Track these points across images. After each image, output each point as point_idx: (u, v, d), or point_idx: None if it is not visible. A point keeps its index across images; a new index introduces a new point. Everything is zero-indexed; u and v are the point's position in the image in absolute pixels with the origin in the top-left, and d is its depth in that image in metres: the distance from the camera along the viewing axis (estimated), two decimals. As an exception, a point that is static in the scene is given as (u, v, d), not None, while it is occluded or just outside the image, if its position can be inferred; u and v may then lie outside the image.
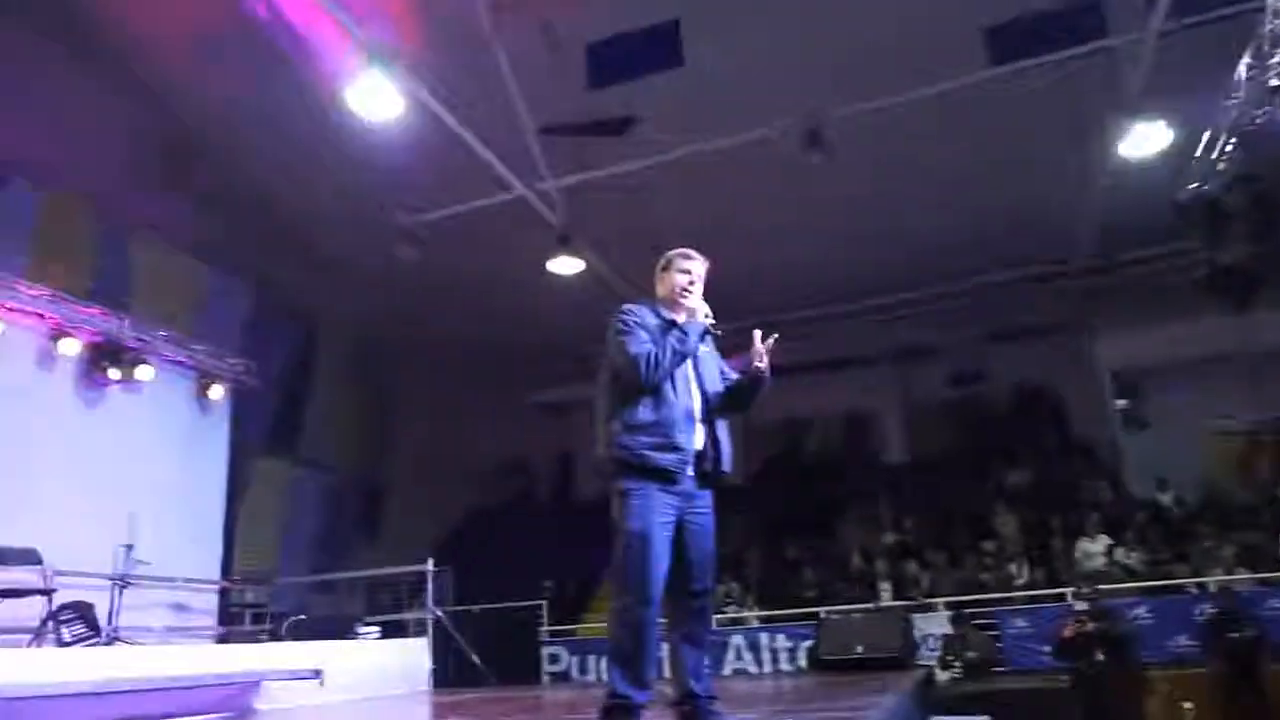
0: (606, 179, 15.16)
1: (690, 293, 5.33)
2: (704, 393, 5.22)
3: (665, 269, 5.50)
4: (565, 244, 16.21)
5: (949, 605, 15.31)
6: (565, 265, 16.63)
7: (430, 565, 14.34)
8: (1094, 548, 16.41)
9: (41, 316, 13.22)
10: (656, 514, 4.84)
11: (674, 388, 5.00)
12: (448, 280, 18.09)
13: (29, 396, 12.81)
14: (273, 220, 16.37)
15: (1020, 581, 16.54)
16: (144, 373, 14.22)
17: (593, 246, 16.89)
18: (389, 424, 22.03)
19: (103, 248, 14.83)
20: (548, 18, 12.81)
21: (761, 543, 19.77)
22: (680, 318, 5.34)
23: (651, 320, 5.21)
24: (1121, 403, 20.79)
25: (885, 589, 17.18)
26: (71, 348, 13.58)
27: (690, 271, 5.37)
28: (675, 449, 4.90)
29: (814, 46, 13.22)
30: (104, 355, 13.88)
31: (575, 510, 22.92)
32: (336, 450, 20.02)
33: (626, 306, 5.24)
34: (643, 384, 4.92)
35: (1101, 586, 14.14)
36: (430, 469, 22.63)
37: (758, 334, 5.25)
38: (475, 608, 17.74)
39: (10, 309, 12.75)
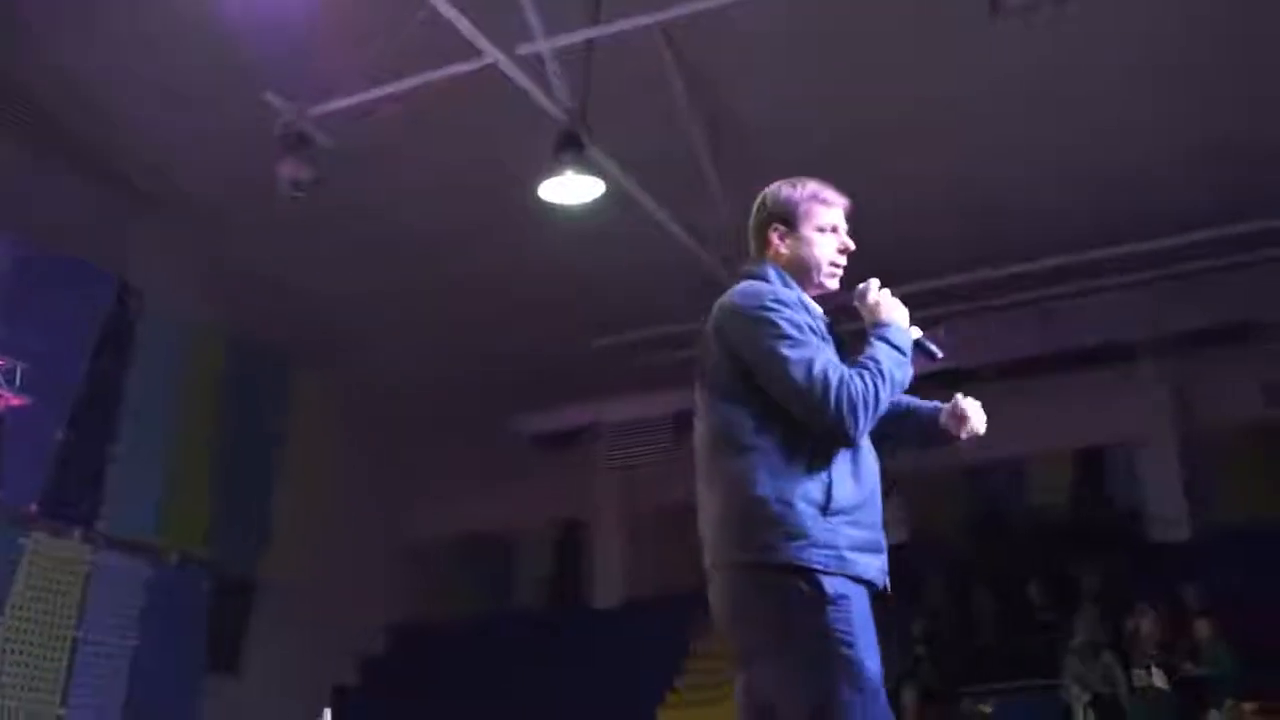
0: (643, 34, 11.17)
1: (841, 267, 3.89)
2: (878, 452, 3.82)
3: (792, 216, 3.87)
4: (573, 149, 11.66)
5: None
6: (572, 188, 12.18)
7: (327, 717, 11.85)
8: None
9: None
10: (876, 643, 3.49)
11: (868, 446, 3.69)
12: (367, 225, 14.18)
13: None
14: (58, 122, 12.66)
15: None
16: None
17: (620, 150, 12.36)
18: (264, 475, 17.48)
19: None
20: None
21: (920, 687, 14.55)
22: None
23: (807, 315, 3.65)
24: None
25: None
26: None
27: (840, 226, 3.89)
28: (881, 551, 3.58)
29: None
30: None
31: (590, 623, 19.05)
32: (168, 521, 16.05)
33: (771, 289, 3.68)
34: (846, 435, 3.46)
35: None
36: (338, 554, 17.98)
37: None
38: None
39: None
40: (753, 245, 4.00)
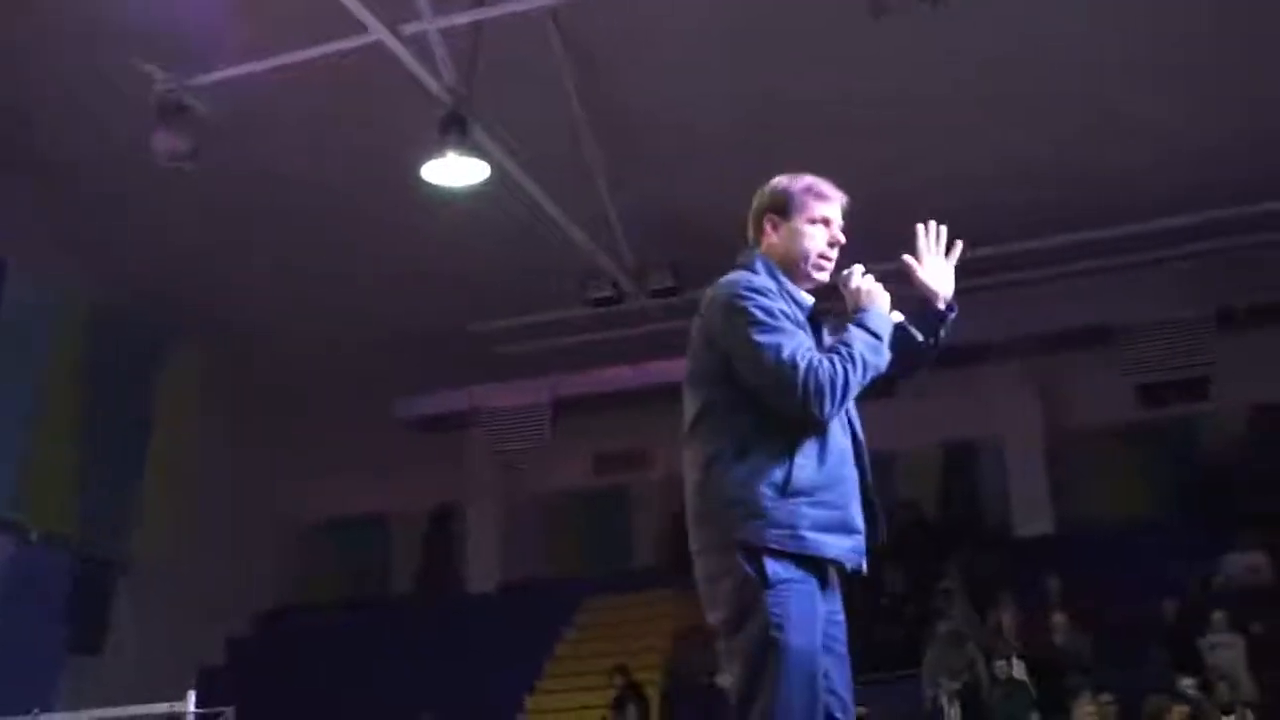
0: (531, 16, 11.20)
1: (831, 260, 3.91)
2: (855, 434, 3.80)
3: (786, 206, 3.94)
4: (457, 131, 11.45)
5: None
6: (455, 170, 12.03)
7: (191, 705, 11.34)
8: None
9: None
10: (820, 625, 3.58)
11: (841, 428, 3.72)
12: (243, 200, 13.82)
13: None
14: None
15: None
16: None
17: (505, 137, 12.23)
18: (133, 453, 16.95)
19: None
20: None
21: None
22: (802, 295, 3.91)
23: (785, 303, 3.71)
24: None
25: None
26: None
27: (832, 220, 3.94)
28: (850, 530, 3.63)
29: None
30: None
31: (463, 607, 18.72)
32: (29, 498, 15.59)
33: (746, 278, 3.75)
34: (813, 418, 3.54)
35: None
36: (208, 535, 17.56)
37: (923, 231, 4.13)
38: None
39: None
40: (750, 233, 4.06)
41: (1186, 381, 16.54)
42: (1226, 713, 11.60)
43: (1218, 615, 13.01)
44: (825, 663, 3.66)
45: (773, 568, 3.50)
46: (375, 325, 16.19)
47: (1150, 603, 13.76)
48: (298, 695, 15.72)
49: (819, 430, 3.61)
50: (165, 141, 11.08)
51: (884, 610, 15.67)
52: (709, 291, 3.82)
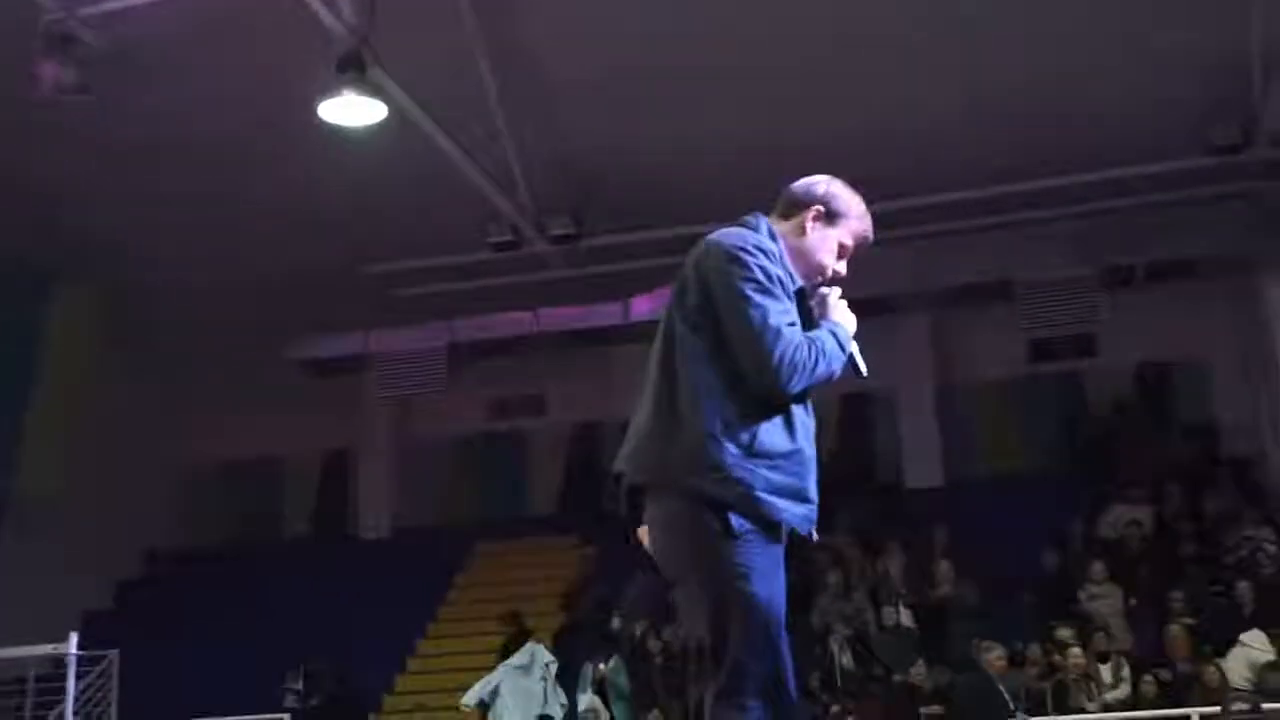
0: None
1: (822, 283, 3.93)
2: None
3: (838, 216, 3.93)
4: (355, 70, 11.20)
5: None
6: (353, 110, 11.76)
7: (73, 646, 11.59)
8: (1257, 648, 11.91)
9: None
10: (781, 576, 3.65)
11: (805, 409, 3.78)
12: (134, 137, 13.25)
13: None
14: None
15: (1116, 695, 12.23)
16: None
17: (405, 76, 11.92)
18: (17, 391, 16.69)
19: None
20: None
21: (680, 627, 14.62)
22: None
23: (782, 271, 3.72)
24: None
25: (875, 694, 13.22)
26: None
27: (848, 254, 3.96)
28: (807, 500, 3.72)
29: None
30: None
31: (356, 552, 18.72)
32: None
33: (754, 236, 3.74)
34: (778, 389, 3.58)
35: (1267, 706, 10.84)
36: (96, 475, 17.24)
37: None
38: None
39: None
40: (779, 203, 4.04)
41: (1076, 338, 16.89)
42: (1103, 661, 11.97)
43: (1097, 566, 13.32)
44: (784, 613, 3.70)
45: (735, 520, 3.55)
46: (270, 266, 15.89)
47: (1034, 553, 14.08)
48: (186, 639, 15.61)
49: (780, 402, 3.66)
50: (51, 73, 10.68)
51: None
52: (710, 236, 3.82)
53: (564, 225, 14.52)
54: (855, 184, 4.06)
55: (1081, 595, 13.22)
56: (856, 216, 4.00)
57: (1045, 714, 11.48)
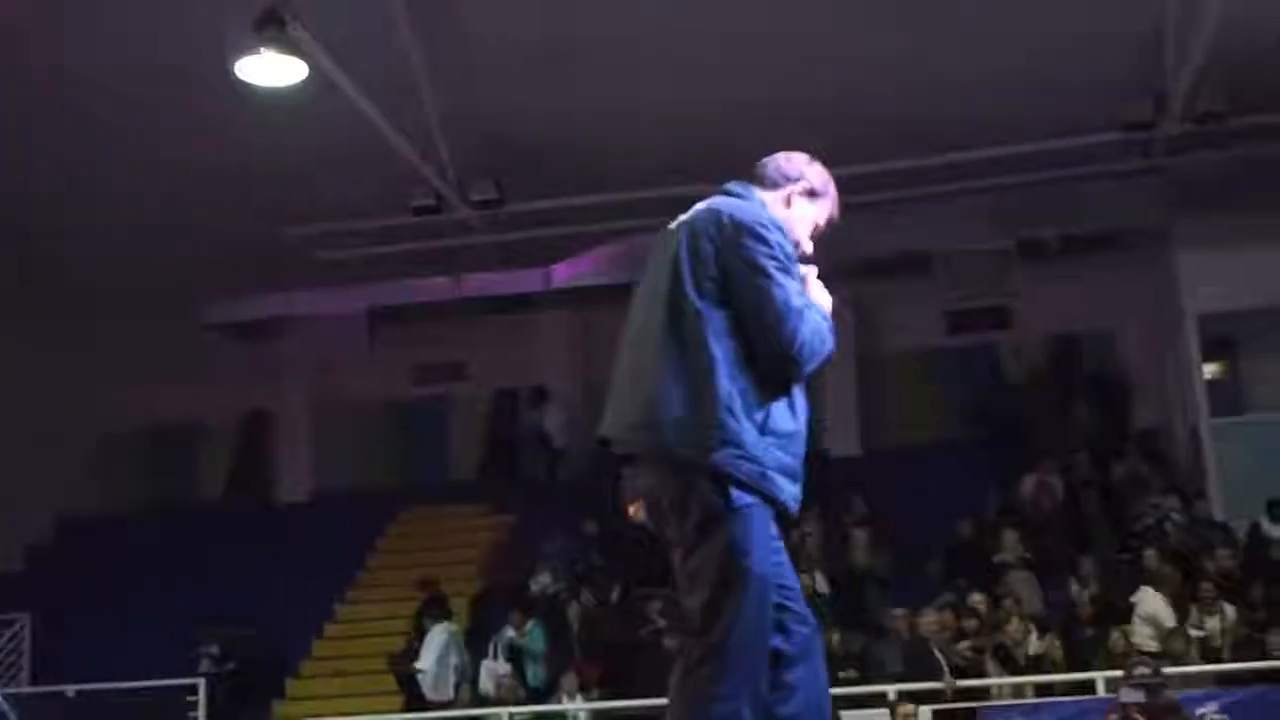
0: None
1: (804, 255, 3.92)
2: None
3: (817, 195, 3.98)
4: (274, 27, 11.00)
5: (907, 695, 11.45)
6: (271, 69, 11.58)
7: None
8: (1157, 606, 12.21)
9: None
10: (776, 551, 3.67)
11: (802, 391, 3.80)
12: (41, 96, 13.08)
13: None
14: None
15: (1028, 655, 12.45)
16: None
17: (326, 35, 11.65)
18: None
19: None
20: None
21: (598, 590, 14.76)
22: None
23: (791, 247, 3.75)
24: (1211, 369, 16.36)
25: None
26: None
27: (816, 235, 4.01)
28: (798, 479, 3.70)
29: None
30: None
31: (274, 516, 18.68)
32: None
33: (765, 212, 3.71)
34: (796, 370, 3.63)
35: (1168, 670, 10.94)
36: (7, 438, 17.31)
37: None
38: (71, 690, 13.78)
39: None
40: (761, 175, 4.01)
41: (991, 309, 17.10)
42: (1012, 625, 12.12)
43: (1009, 534, 13.57)
44: (783, 583, 3.73)
45: (737, 494, 3.54)
46: (188, 228, 15.65)
47: (948, 522, 14.29)
48: (100, 604, 15.47)
49: (794, 381, 3.67)
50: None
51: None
52: (721, 207, 3.77)
53: (486, 190, 14.44)
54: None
55: (994, 562, 13.44)
56: (831, 198, 4.04)
57: (965, 677, 11.64)
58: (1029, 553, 13.53)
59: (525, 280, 17.16)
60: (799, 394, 3.73)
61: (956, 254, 16.16)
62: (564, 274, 16.50)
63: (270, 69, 11.35)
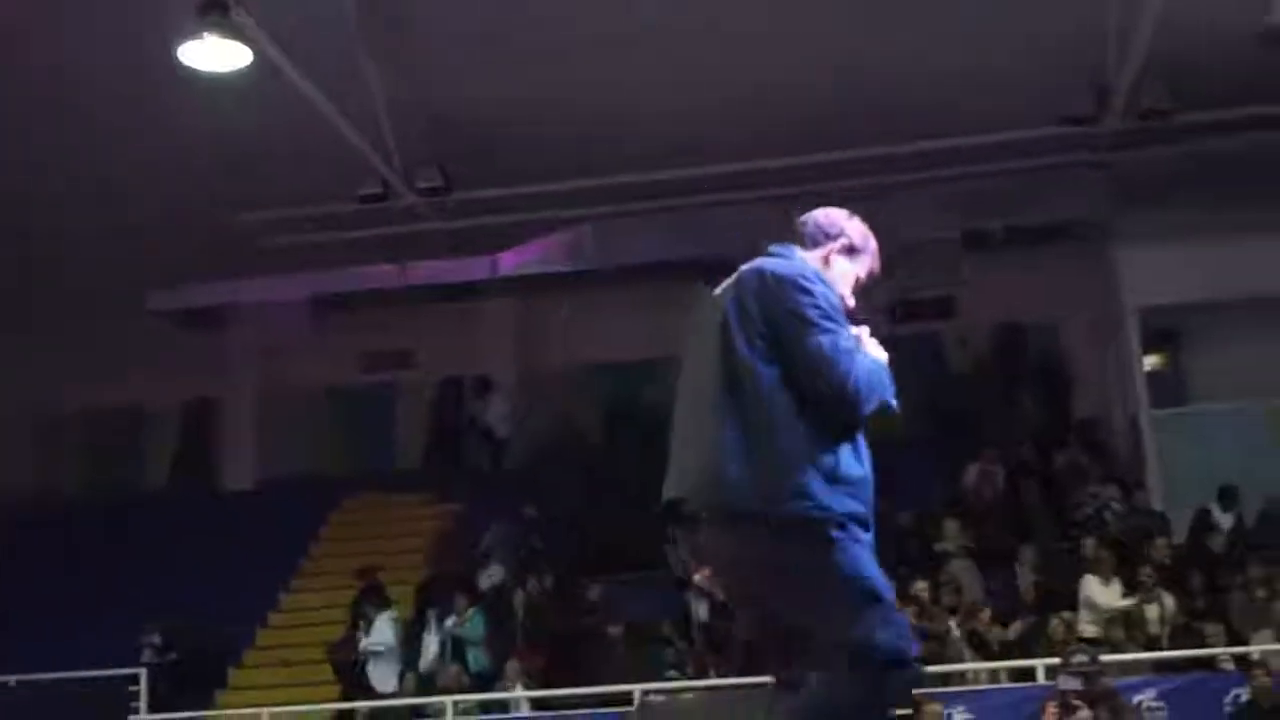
0: None
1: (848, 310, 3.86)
2: None
3: (857, 252, 3.99)
4: (217, 12, 11.07)
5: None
6: (215, 54, 11.64)
7: None
8: (1104, 594, 12.37)
9: None
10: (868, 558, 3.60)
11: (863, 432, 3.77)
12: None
13: None
14: None
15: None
16: None
17: (270, 20, 11.64)
18: None
19: None
20: None
21: (541, 577, 14.77)
22: None
23: (836, 299, 3.75)
24: (1152, 361, 16.89)
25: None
26: None
27: (869, 280, 4.02)
28: (869, 528, 3.64)
29: None
30: None
31: (218, 504, 18.59)
32: None
33: (807, 267, 3.75)
34: (855, 414, 3.60)
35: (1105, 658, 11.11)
36: None
37: None
38: (12, 680, 13.69)
39: None
40: (801, 234, 4.02)
41: (936, 300, 17.21)
42: (953, 614, 12.26)
43: (950, 524, 13.69)
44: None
45: (827, 530, 3.54)
46: (132, 214, 15.54)
47: (889, 510, 14.33)
48: (40, 592, 15.31)
49: (855, 425, 3.66)
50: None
51: (642, 511, 15.69)
52: (763, 267, 3.76)
53: (432, 178, 14.40)
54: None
55: (935, 550, 13.54)
56: (871, 253, 4.06)
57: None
58: (970, 542, 13.61)
59: (472, 268, 17.10)
60: (862, 440, 3.72)
61: (904, 243, 16.26)
62: (510, 262, 16.46)
63: (214, 54, 11.31)
